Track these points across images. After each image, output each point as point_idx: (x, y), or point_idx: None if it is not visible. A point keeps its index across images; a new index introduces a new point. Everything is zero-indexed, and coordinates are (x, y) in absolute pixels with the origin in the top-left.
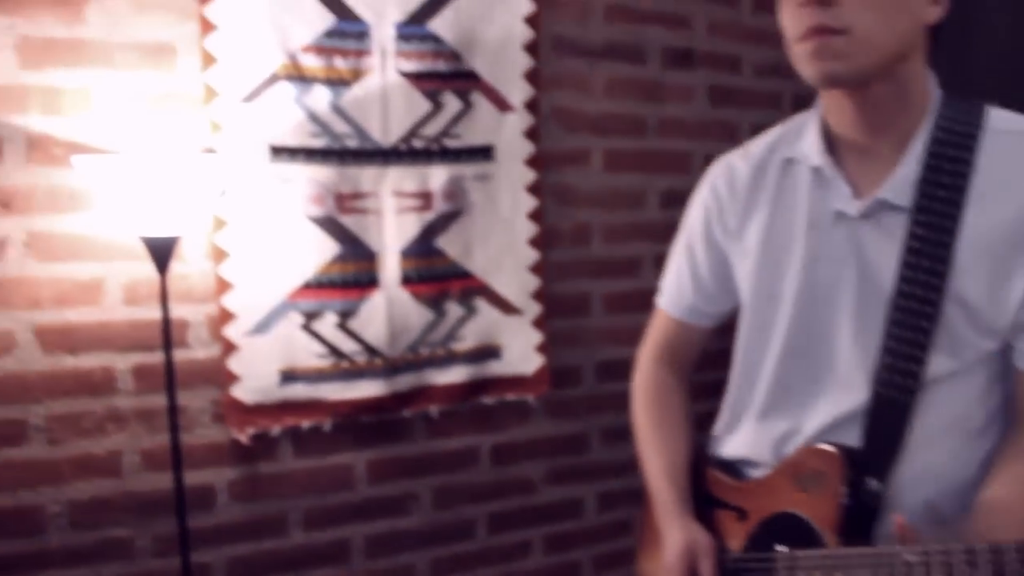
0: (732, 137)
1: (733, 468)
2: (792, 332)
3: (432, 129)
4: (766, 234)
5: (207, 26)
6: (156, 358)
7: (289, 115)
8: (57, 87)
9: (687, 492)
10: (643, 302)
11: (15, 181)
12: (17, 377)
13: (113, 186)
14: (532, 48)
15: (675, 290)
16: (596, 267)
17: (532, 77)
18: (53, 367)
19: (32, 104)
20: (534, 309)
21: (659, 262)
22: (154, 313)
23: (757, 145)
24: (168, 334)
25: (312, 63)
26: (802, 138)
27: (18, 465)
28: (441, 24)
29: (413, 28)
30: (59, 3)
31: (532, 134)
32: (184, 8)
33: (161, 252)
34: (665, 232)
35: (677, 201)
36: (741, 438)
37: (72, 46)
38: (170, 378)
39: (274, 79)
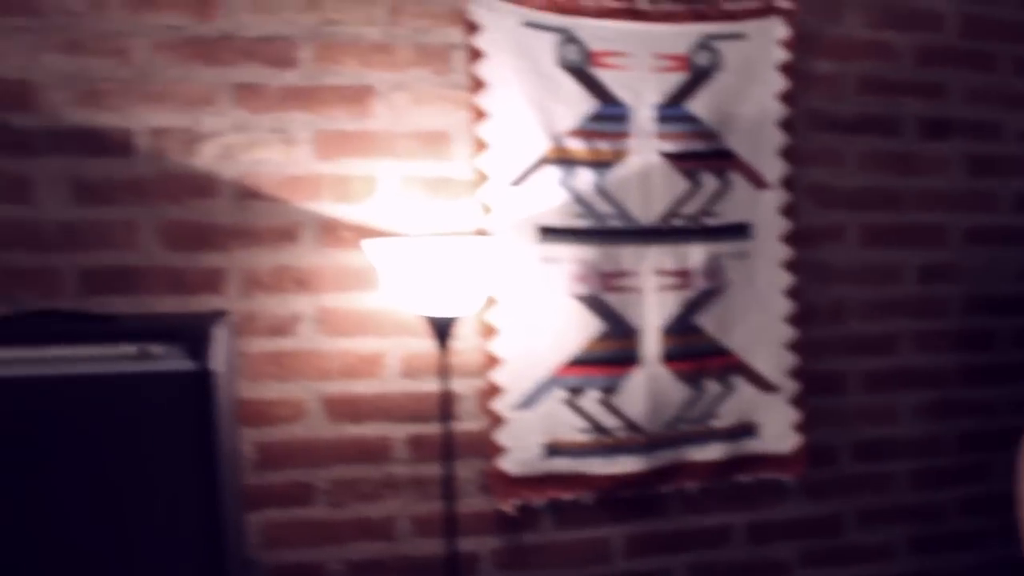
0: (992, 208)
1: None
2: None
3: (691, 208)
4: None
5: (479, 114)
6: (429, 429)
7: (555, 197)
8: (346, 175)
9: None
10: (900, 380)
11: (309, 262)
12: (306, 443)
13: (398, 267)
14: (787, 124)
15: None
16: (853, 344)
17: (787, 153)
18: (338, 434)
19: (325, 191)
20: (791, 387)
21: (916, 339)
22: (429, 386)
23: None
24: (447, 407)
25: (576, 146)
26: None
27: (303, 524)
28: (698, 104)
29: (671, 109)
30: (351, 100)
31: (788, 210)
32: (458, 99)
33: (442, 329)
34: (922, 307)
35: (934, 276)
36: None
37: (360, 138)
38: (448, 450)
39: (541, 163)
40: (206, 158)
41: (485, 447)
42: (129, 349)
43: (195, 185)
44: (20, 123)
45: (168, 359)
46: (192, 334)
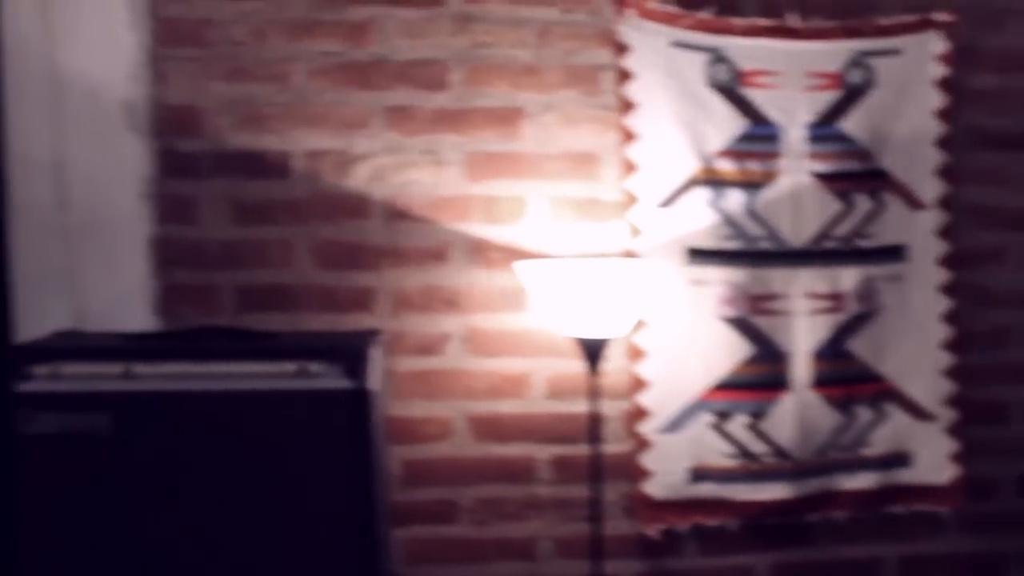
0: None
1: None
2: None
3: (843, 229)
4: None
5: (628, 136)
6: (574, 450)
7: (704, 219)
8: (496, 196)
9: None
10: None
11: (458, 282)
12: (451, 461)
13: (550, 288)
14: (944, 142)
15: None
16: (1015, 371)
17: (945, 173)
18: (483, 454)
19: (474, 212)
20: (948, 415)
21: None
22: (574, 407)
23: None
24: (595, 429)
25: (726, 167)
26: None
27: (447, 542)
28: (851, 123)
29: (823, 129)
30: (501, 121)
31: (945, 232)
32: (607, 120)
33: (593, 351)
34: None
35: None
36: None
37: (510, 159)
38: (595, 472)
39: (690, 184)
40: (359, 179)
41: (629, 470)
42: (288, 367)
43: (348, 206)
44: (187, 147)
45: (326, 377)
46: (349, 353)
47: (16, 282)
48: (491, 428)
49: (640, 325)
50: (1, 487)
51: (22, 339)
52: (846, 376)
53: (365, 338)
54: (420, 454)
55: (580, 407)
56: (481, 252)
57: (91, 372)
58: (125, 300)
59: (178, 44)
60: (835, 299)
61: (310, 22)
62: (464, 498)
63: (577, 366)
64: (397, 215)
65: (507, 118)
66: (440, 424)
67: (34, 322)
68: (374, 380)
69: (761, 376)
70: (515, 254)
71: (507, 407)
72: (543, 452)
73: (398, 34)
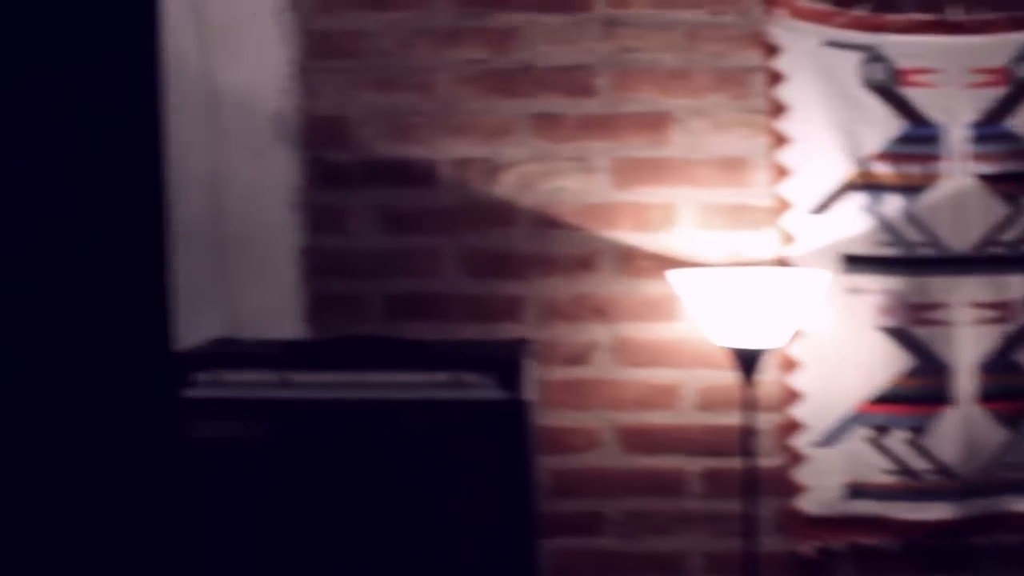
0: None
1: None
2: None
3: (1011, 234)
4: None
5: (779, 139)
6: (726, 463)
7: (860, 224)
8: (644, 203)
9: None
10: None
11: (606, 291)
12: (598, 472)
13: (704, 298)
14: None
15: None
16: None
17: None
18: (631, 465)
19: (622, 220)
20: None
21: None
22: (726, 419)
23: None
24: (749, 442)
25: (883, 171)
26: None
27: (593, 554)
28: (1019, 121)
29: (988, 128)
30: (649, 127)
31: None
32: (757, 124)
33: (748, 362)
34: None
35: None
36: None
37: (658, 166)
38: (749, 486)
39: (845, 188)
40: (506, 187)
41: (782, 485)
42: (441, 376)
43: (495, 214)
44: (335, 157)
45: (480, 388)
46: (503, 363)
47: (175, 291)
48: (640, 439)
49: (793, 335)
50: (166, 489)
51: (180, 346)
52: (1015, 390)
53: (517, 347)
54: (566, 464)
55: (731, 419)
56: (630, 260)
57: (251, 380)
58: (276, 308)
59: (326, 56)
60: (1002, 308)
61: (455, 30)
62: (611, 510)
63: (728, 377)
64: (544, 223)
65: (655, 123)
66: (587, 435)
67: (190, 330)
68: (529, 391)
69: (922, 389)
70: (664, 262)
71: (656, 418)
72: (693, 464)
73: (543, 40)
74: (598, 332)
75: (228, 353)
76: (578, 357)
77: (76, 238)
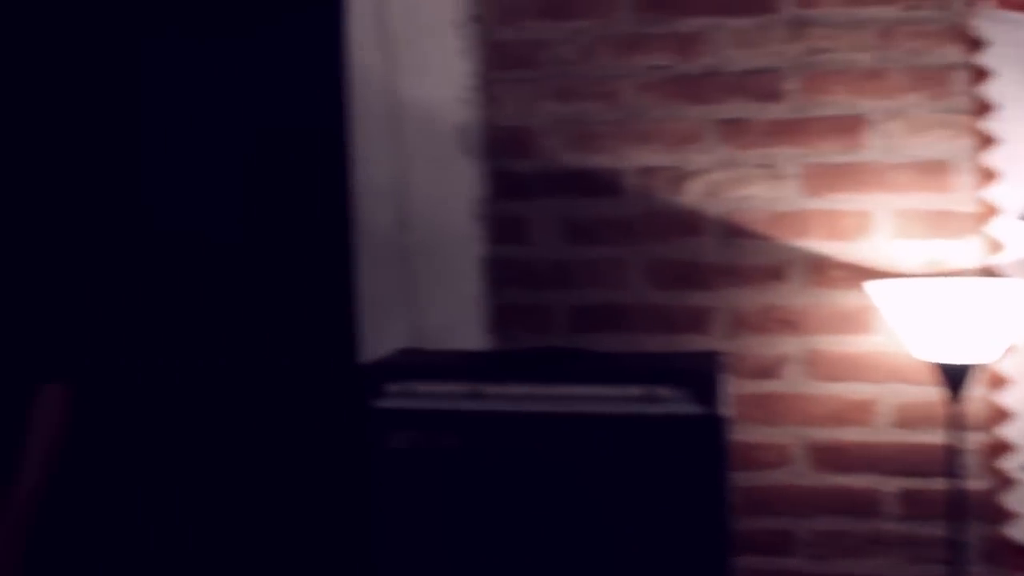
0: None
1: None
2: None
3: None
4: None
5: (986, 141)
6: (925, 484)
7: None
8: (836, 211)
9: None
10: None
11: (797, 302)
12: (788, 490)
13: (904, 310)
14: None
15: None
16: None
17: None
18: (822, 484)
19: (813, 228)
20: None
21: None
22: (926, 437)
23: None
24: (954, 463)
25: None
26: None
27: (782, 575)
28: None
29: None
30: (841, 131)
31: None
32: (959, 124)
33: (956, 378)
34: None
35: None
36: None
37: (851, 171)
38: (954, 510)
39: None
40: (692, 196)
41: (988, 510)
42: (634, 390)
43: (681, 223)
44: (518, 167)
45: (675, 402)
46: (697, 377)
47: (361, 301)
48: (832, 457)
49: (1005, 349)
50: (359, 498)
51: (366, 356)
52: None
53: (709, 360)
54: (756, 481)
55: (932, 437)
56: (822, 270)
57: (441, 391)
58: (460, 319)
59: (508, 67)
60: None
61: (638, 37)
62: (801, 530)
63: (929, 393)
64: (732, 232)
65: (848, 127)
66: (777, 451)
67: (376, 340)
68: (724, 406)
69: None
70: (859, 272)
71: (850, 435)
72: (889, 485)
73: (729, 44)
74: (789, 345)
75: (419, 364)
76: (768, 370)
77: (269, 246)
